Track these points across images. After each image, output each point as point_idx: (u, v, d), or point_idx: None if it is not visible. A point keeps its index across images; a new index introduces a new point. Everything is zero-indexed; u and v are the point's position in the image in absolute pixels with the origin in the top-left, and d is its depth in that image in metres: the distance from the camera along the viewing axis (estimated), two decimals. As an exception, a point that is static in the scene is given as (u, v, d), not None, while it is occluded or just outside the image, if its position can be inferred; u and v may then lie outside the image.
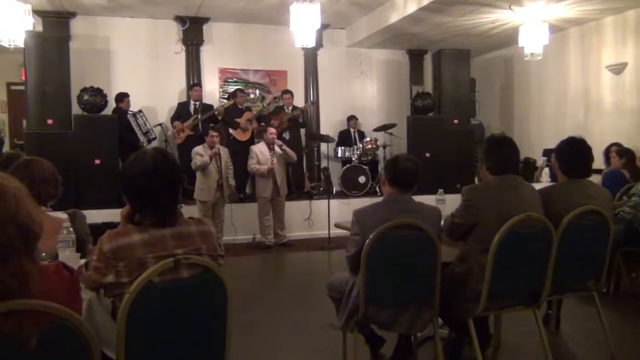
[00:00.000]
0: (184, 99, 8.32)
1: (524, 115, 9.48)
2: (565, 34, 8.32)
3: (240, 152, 7.72)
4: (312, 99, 9.17)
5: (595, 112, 7.93)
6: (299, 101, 8.81)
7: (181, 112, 8.06)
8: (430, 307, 2.85)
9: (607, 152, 6.04)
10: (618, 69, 7.47)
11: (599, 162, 4.23)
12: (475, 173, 8.28)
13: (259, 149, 7.18)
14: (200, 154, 6.76)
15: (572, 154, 3.29)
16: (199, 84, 8.38)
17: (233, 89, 8.59)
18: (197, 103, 8.12)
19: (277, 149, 7.12)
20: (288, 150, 7.20)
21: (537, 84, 9.10)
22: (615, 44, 7.52)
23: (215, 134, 6.90)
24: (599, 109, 7.86)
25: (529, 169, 7.90)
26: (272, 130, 7.27)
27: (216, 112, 7.99)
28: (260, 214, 7.21)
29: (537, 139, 8.82)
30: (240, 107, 8.25)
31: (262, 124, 8.52)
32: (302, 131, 8.78)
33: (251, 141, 8.31)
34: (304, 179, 8.53)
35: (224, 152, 7.01)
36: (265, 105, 8.84)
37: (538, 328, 3.05)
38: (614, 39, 7.56)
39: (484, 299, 2.81)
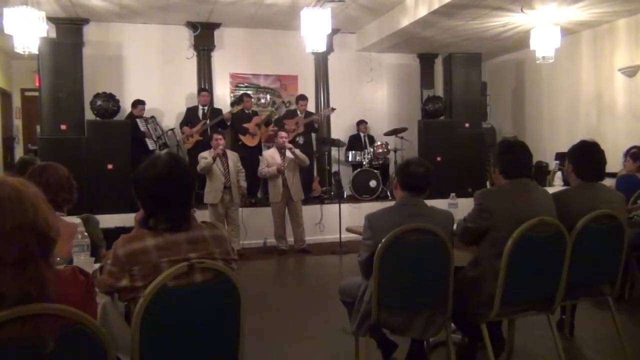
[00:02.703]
0: (196, 103, 8.36)
1: (535, 119, 9.43)
2: (578, 37, 8.27)
3: (248, 157, 7.71)
4: (324, 104, 9.18)
5: (608, 115, 7.87)
6: (309, 106, 8.83)
7: (190, 118, 8.10)
8: (443, 311, 2.84)
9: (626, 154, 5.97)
10: (631, 71, 7.41)
11: (612, 166, 4.21)
12: (487, 177, 8.24)
13: (270, 154, 7.17)
14: (204, 157, 6.78)
15: (586, 158, 3.27)
16: (206, 89, 8.40)
17: (240, 94, 8.62)
18: (206, 108, 8.16)
19: (288, 153, 7.08)
20: (299, 153, 7.12)
21: (549, 87, 9.04)
22: (628, 46, 7.46)
23: (219, 136, 6.91)
24: (612, 112, 7.80)
25: (542, 173, 7.84)
26: (282, 134, 7.21)
27: (225, 118, 8.01)
28: (273, 220, 7.17)
29: (549, 142, 8.76)
30: (247, 111, 8.27)
31: (275, 127, 8.57)
32: (314, 135, 8.79)
33: (259, 146, 8.34)
34: (311, 183, 8.49)
35: (232, 155, 7.01)
36: (274, 109, 8.86)
37: (552, 333, 3.03)
38: (626, 42, 7.50)
39: (497, 303, 2.80)
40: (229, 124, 8.08)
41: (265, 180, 7.63)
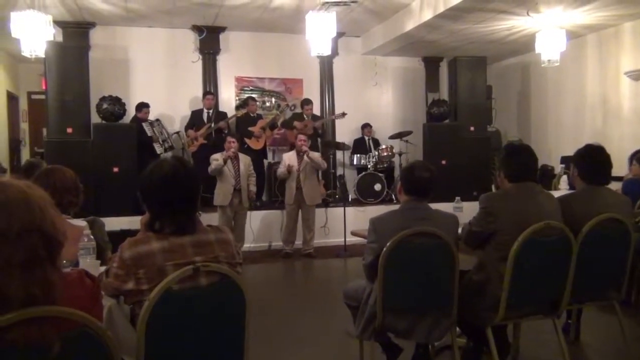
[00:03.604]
0: (201, 107, 8.38)
1: (541, 123, 9.41)
2: (583, 40, 8.25)
3: (254, 160, 7.71)
4: (329, 107, 9.19)
5: (614, 118, 7.84)
6: (314, 110, 8.83)
7: (195, 121, 8.12)
8: (448, 315, 2.83)
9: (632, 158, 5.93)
10: (637, 75, 7.38)
11: (618, 170, 4.19)
12: (493, 181, 8.22)
13: (288, 157, 7.19)
14: (216, 158, 6.80)
15: (591, 161, 3.26)
16: (211, 92, 8.42)
17: (245, 97, 8.63)
18: (211, 111, 8.18)
19: (305, 156, 7.05)
20: (315, 157, 7.10)
21: (555, 91, 9.02)
22: (634, 49, 7.44)
23: (232, 139, 6.94)
24: (617, 115, 7.77)
25: (547, 177, 7.81)
26: (301, 137, 7.19)
27: (220, 127, 7.97)
28: (285, 221, 7.20)
29: (555, 146, 8.74)
30: (252, 115, 8.28)
31: (281, 130, 8.56)
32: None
33: (264, 150, 8.34)
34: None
35: (245, 159, 7.02)
36: (278, 112, 8.86)
37: (557, 337, 3.01)
38: (632, 45, 7.48)
39: (502, 307, 2.79)
40: (226, 132, 8.03)
41: (271, 183, 7.60)
